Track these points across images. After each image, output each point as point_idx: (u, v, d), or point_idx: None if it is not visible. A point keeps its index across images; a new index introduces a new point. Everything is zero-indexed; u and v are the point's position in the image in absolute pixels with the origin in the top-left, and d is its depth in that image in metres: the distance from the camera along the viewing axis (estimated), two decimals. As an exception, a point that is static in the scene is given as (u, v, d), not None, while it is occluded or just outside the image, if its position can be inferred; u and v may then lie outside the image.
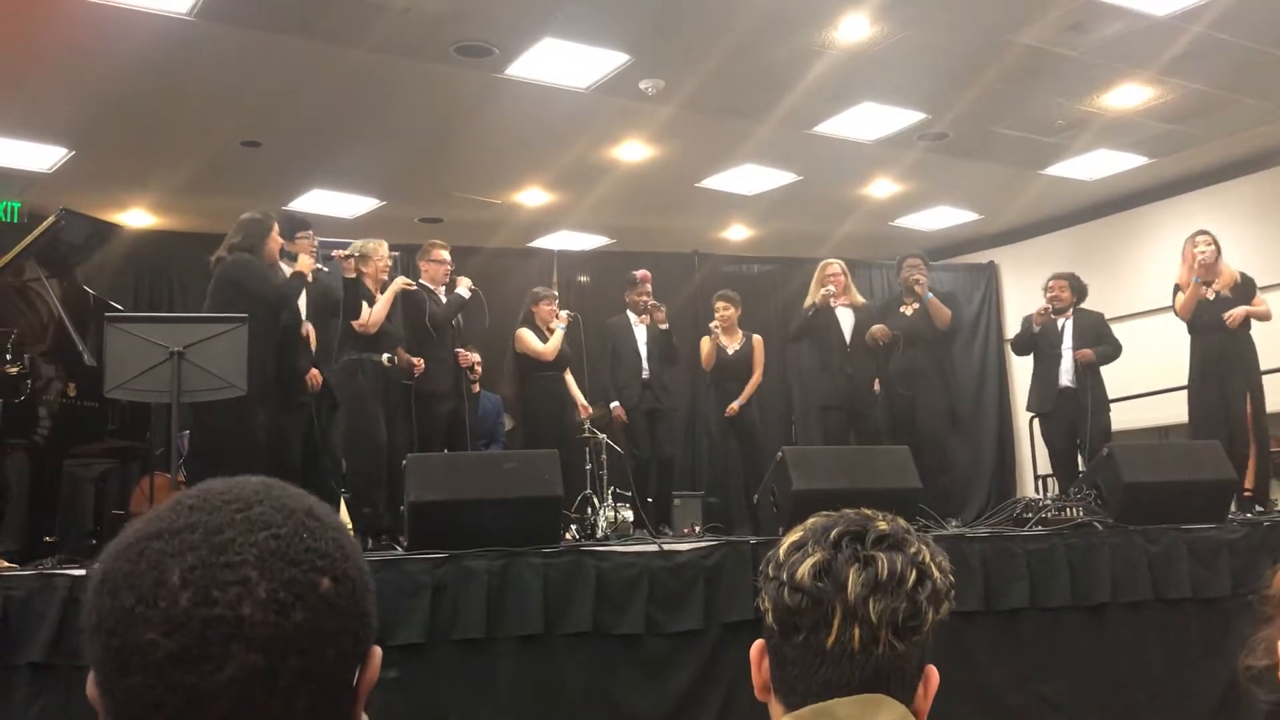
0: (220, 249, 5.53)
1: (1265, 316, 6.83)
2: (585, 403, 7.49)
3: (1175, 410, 7.37)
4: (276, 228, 5.61)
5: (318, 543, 0.82)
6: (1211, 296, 6.82)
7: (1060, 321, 7.30)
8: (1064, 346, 7.21)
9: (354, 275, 5.90)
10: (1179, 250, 7.04)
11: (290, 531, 0.81)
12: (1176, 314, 6.99)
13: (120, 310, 5.90)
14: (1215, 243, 6.88)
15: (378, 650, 0.87)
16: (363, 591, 0.85)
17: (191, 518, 0.81)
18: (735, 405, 7.49)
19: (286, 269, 5.72)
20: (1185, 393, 7.04)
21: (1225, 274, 6.89)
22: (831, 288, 7.32)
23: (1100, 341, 7.20)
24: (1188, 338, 6.98)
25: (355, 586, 0.84)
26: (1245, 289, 6.87)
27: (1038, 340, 7.34)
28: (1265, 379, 7.58)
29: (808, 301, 7.47)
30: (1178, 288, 6.97)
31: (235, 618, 0.77)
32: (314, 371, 5.67)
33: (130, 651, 0.77)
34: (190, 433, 5.96)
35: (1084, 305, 7.41)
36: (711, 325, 7.58)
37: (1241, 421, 6.68)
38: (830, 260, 7.59)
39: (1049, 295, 7.36)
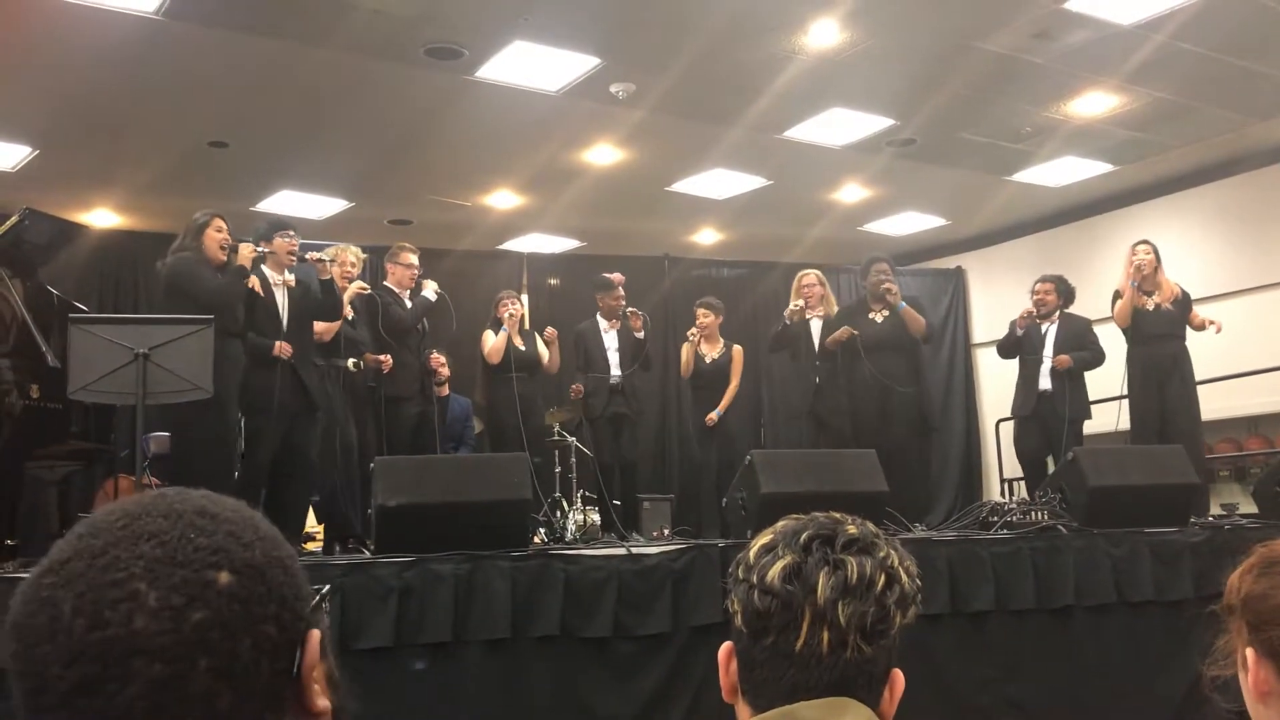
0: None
1: (1201, 327, 6.98)
2: (550, 355, 7.39)
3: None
4: (217, 221, 5.51)
5: (209, 539, 0.80)
6: (1151, 307, 6.95)
7: (1044, 326, 7.28)
8: (1045, 352, 7.20)
9: (328, 278, 5.86)
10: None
11: (177, 534, 0.79)
12: (1114, 321, 7.09)
13: (84, 311, 5.84)
14: (1155, 253, 7.03)
15: (315, 633, 0.84)
16: (276, 577, 0.82)
17: (78, 545, 0.80)
18: (713, 415, 7.53)
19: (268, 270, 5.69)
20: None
21: (1166, 287, 7.01)
22: (802, 302, 7.34)
23: (1081, 347, 7.17)
24: (1139, 345, 7.06)
25: (263, 574, 0.81)
26: (1184, 304, 7.02)
27: (1021, 344, 7.32)
28: (1227, 384, 7.71)
29: (786, 312, 7.50)
30: (1117, 294, 7.09)
31: (129, 633, 0.75)
32: (279, 344, 5.59)
33: (43, 692, 0.76)
34: (171, 435, 5.91)
35: (1071, 310, 7.40)
36: (690, 332, 7.60)
37: (1180, 429, 6.78)
38: (806, 271, 7.61)
39: (1034, 298, 7.31)
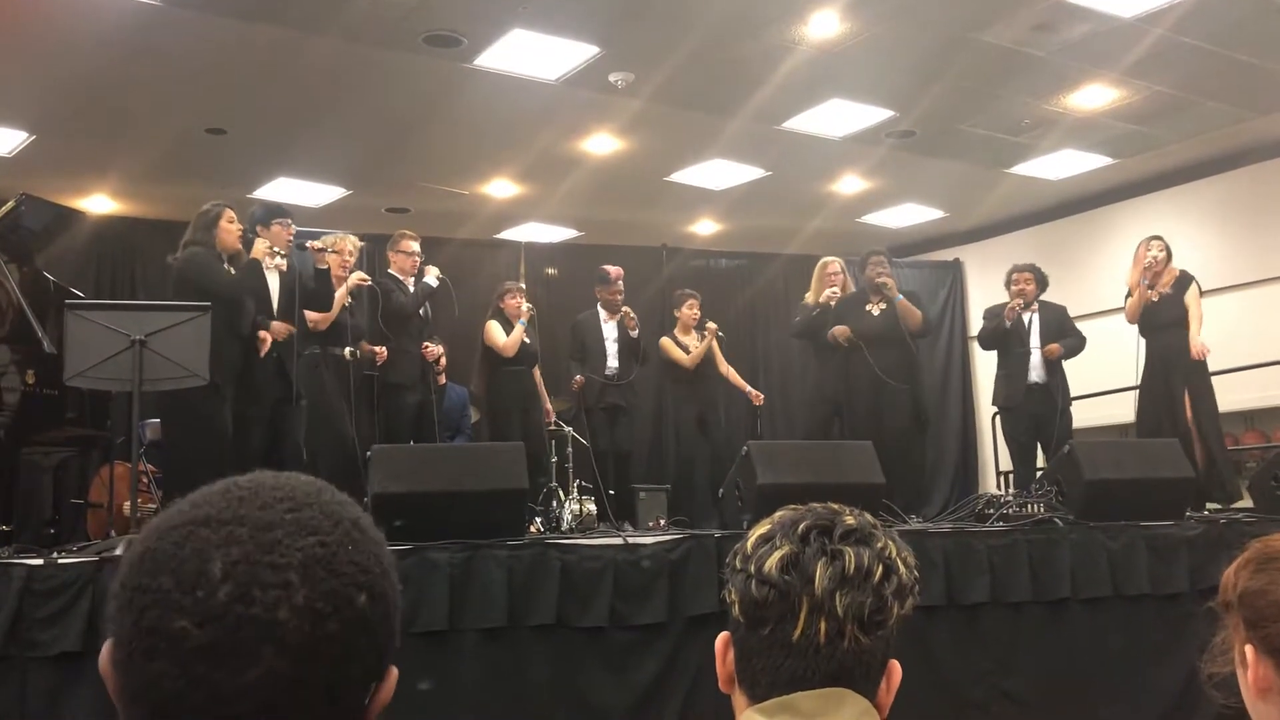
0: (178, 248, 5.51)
1: (1199, 320, 6.89)
2: (549, 407, 7.49)
3: (1134, 409, 7.45)
4: (228, 213, 5.55)
5: (361, 556, 0.81)
6: (1155, 298, 6.93)
7: (1026, 315, 7.23)
8: (1032, 343, 7.16)
9: (325, 267, 5.87)
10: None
11: (337, 540, 0.80)
12: (1126, 318, 7.08)
13: (81, 297, 5.84)
14: (1168, 249, 6.99)
15: (394, 670, 0.85)
16: (394, 610, 0.84)
17: (241, 510, 0.80)
18: (760, 394, 7.80)
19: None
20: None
21: (1167, 274, 6.99)
22: (836, 289, 7.33)
23: (1064, 335, 7.16)
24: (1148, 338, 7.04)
25: (388, 604, 0.83)
26: (1182, 283, 6.93)
27: (1006, 336, 7.28)
28: (1224, 378, 7.69)
29: (809, 299, 7.48)
30: (1130, 292, 7.08)
31: (271, 620, 0.75)
32: (275, 325, 5.62)
33: (160, 635, 0.75)
34: (161, 422, 5.91)
35: (1045, 297, 7.36)
36: (710, 327, 7.58)
37: (1184, 420, 6.77)
38: (829, 259, 7.58)
39: (1015, 289, 7.24)
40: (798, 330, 7.73)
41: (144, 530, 0.81)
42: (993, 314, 7.38)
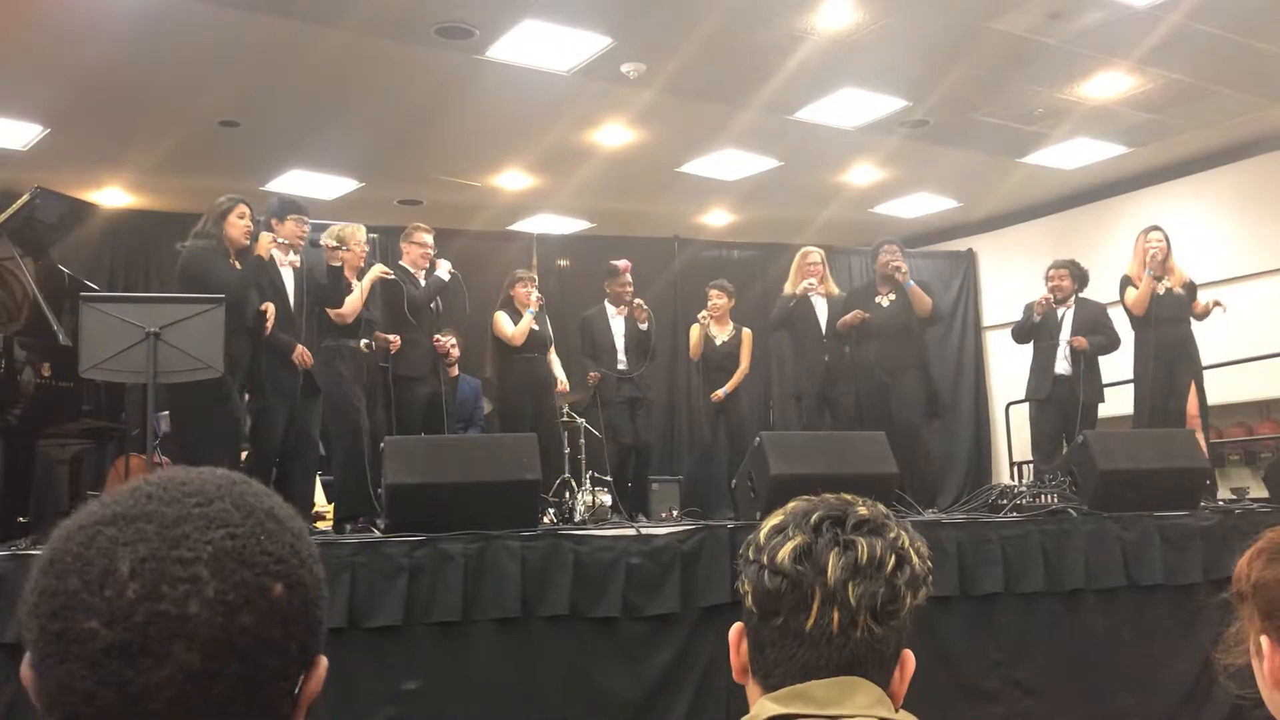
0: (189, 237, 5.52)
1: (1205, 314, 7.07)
2: (564, 379, 7.47)
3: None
4: (239, 209, 5.52)
5: (275, 546, 0.80)
6: (1162, 291, 6.97)
7: (1061, 310, 7.26)
8: (1061, 337, 7.20)
9: (338, 264, 5.87)
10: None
11: (248, 532, 0.79)
12: (1127, 308, 7.08)
13: (96, 290, 5.86)
14: (1167, 239, 7.04)
15: (323, 660, 0.84)
16: (315, 599, 0.82)
17: (149, 506, 0.79)
18: (721, 392, 7.53)
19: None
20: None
21: (1177, 272, 7.04)
22: (813, 280, 7.32)
23: (1097, 331, 7.19)
24: (1150, 329, 7.05)
25: (308, 594, 0.82)
26: (1192, 290, 7.10)
27: (1037, 329, 7.31)
28: (1239, 368, 7.71)
29: (787, 289, 7.48)
30: (1127, 280, 7.10)
31: (180, 615, 0.75)
32: (300, 349, 5.63)
33: (69, 638, 0.75)
34: (170, 414, 5.93)
35: (1085, 294, 7.38)
36: (701, 315, 7.59)
37: (1185, 412, 6.85)
38: (810, 249, 7.59)
39: (1050, 284, 7.29)
40: (774, 323, 7.73)
41: (53, 534, 0.80)
42: (1029, 309, 7.43)
